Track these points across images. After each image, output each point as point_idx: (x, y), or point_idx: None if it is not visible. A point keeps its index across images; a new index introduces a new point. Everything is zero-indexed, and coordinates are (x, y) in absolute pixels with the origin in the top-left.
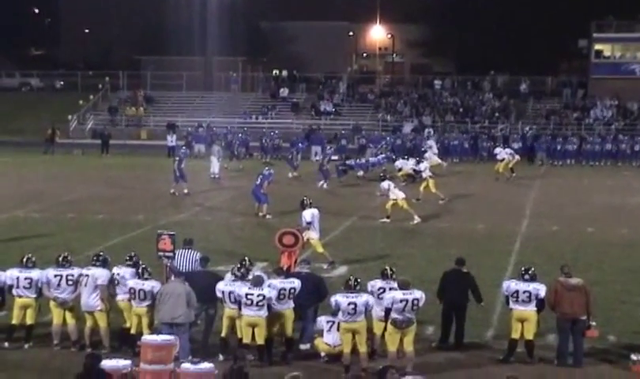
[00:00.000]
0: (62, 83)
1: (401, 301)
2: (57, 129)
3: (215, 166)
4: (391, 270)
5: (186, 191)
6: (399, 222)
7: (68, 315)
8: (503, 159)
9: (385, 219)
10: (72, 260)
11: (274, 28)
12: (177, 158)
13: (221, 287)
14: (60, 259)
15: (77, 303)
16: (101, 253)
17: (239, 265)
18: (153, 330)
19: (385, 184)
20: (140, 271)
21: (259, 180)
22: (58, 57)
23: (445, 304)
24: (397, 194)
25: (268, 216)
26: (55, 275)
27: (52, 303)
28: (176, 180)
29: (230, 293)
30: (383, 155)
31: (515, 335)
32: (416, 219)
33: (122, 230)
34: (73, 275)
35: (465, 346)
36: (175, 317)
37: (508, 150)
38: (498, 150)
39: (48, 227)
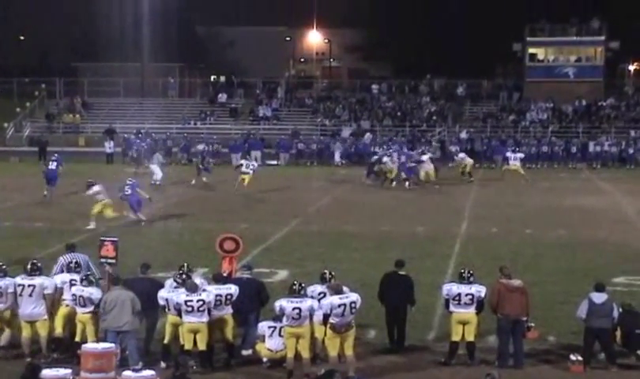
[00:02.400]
0: None
1: (339, 305)
2: None
3: (157, 173)
4: (330, 274)
5: (45, 193)
6: (339, 225)
7: (2, 324)
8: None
9: (91, 226)
10: (7, 270)
11: (211, 33)
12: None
13: (163, 294)
14: None
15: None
16: (35, 262)
17: (180, 272)
18: (99, 338)
19: (94, 188)
20: (81, 277)
21: (128, 190)
22: None
23: (386, 307)
24: (103, 199)
25: (138, 217)
26: None
27: None
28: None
29: (171, 300)
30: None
31: (456, 337)
32: (92, 225)
33: (61, 238)
34: (0, 287)
35: (407, 348)
36: (121, 325)
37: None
38: (462, 155)
39: None
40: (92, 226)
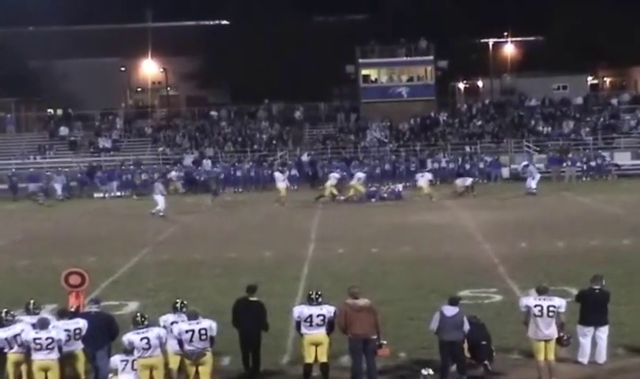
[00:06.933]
0: None
1: (187, 331)
2: None
3: (160, 203)
4: (182, 303)
5: None
6: (188, 253)
7: None
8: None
9: None
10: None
11: (45, 67)
12: None
13: (1, 334)
14: None
15: None
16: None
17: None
18: None
19: None
20: None
21: None
22: None
23: (240, 333)
24: None
25: None
26: None
27: None
28: None
29: (15, 336)
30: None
31: (309, 359)
32: None
33: None
34: None
35: (262, 373)
36: None
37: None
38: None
39: None
40: None
